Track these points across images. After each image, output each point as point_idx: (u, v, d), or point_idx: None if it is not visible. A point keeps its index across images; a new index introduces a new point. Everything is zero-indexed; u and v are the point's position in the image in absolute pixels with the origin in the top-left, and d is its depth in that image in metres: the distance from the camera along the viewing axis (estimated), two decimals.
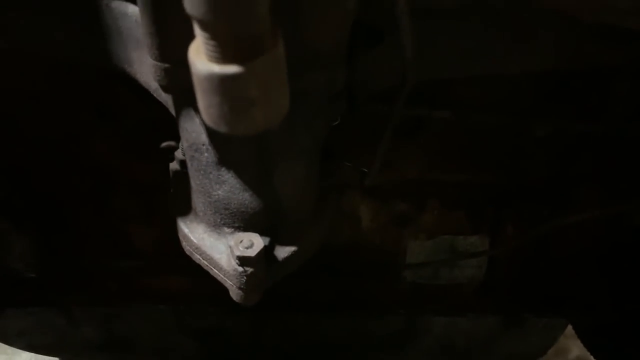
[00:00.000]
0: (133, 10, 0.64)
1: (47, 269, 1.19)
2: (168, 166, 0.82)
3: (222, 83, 0.37)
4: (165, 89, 0.62)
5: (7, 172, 1.09)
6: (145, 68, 0.69)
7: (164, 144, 0.92)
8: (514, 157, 1.12)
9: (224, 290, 0.75)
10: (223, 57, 0.37)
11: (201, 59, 0.38)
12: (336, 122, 0.75)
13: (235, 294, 0.73)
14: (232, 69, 0.37)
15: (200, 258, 0.75)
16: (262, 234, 0.71)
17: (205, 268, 0.76)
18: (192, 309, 1.22)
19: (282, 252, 0.74)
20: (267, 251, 0.71)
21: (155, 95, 0.72)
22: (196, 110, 0.62)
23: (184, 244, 0.77)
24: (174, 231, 0.78)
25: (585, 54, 0.77)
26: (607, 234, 1.17)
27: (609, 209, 1.06)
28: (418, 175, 1.16)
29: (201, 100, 0.40)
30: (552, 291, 1.25)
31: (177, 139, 0.77)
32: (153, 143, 0.90)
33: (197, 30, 0.37)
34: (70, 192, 1.13)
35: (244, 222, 0.71)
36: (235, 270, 0.70)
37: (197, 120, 0.66)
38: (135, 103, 0.98)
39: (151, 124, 0.95)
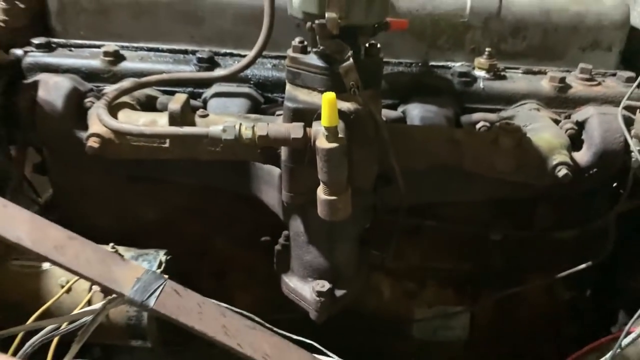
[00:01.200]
0: (267, 167, 1.36)
1: None
2: (264, 251, 1.48)
3: (329, 202, 1.07)
4: (287, 205, 1.31)
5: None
6: (269, 195, 1.39)
7: (262, 239, 1.63)
8: (480, 252, 1.75)
9: None
10: (329, 194, 1.07)
11: (321, 194, 1.07)
12: (367, 225, 1.43)
13: (313, 315, 1.37)
14: (333, 198, 1.06)
15: (294, 295, 1.40)
16: (328, 282, 1.35)
17: (295, 301, 1.40)
18: None
19: (338, 292, 1.38)
20: (331, 291, 1.35)
21: (271, 209, 1.41)
22: (300, 215, 1.31)
23: (284, 288, 1.42)
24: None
25: (505, 191, 1.44)
26: (548, 305, 1.77)
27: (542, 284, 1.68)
28: (420, 263, 1.80)
29: (319, 206, 1.08)
30: (516, 347, 1.83)
31: (272, 235, 1.46)
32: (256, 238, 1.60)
33: (322, 185, 1.07)
34: (198, 274, 1.78)
35: (319, 274, 1.36)
36: (314, 300, 1.34)
37: (299, 220, 1.34)
38: (250, 214, 1.66)
39: (256, 227, 1.62)
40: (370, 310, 1.84)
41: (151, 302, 0.95)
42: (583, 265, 1.56)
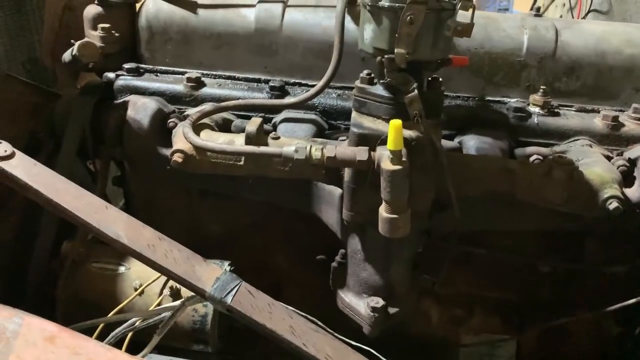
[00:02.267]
0: (329, 186, 1.46)
1: None
2: (318, 269, 1.58)
3: (390, 220, 1.16)
4: (347, 223, 1.41)
5: None
6: (329, 214, 1.49)
7: (318, 257, 1.72)
8: (528, 284, 1.79)
9: None
10: (391, 212, 1.16)
11: (383, 212, 1.17)
12: (420, 249, 1.51)
13: (367, 330, 1.44)
14: (394, 216, 1.16)
15: (349, 310, 1.48)
16: (382, 299, 1.43)
17: (350, 315, 1.48)
18: None
19: (391, 310, 1.45)
20: (385, 307, 1.43)
21: (330, 228, 1.51)
22: (358, 234, 1.40)
23: (339, 303, 1.51)
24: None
25: (556, 222, 1.50)
26: (595, 340, 1.79)
27: (590, 318, 1.70)
28: (469, 291, 1.85)
29: (380, 224, 1.18)
30: None
31: (327, 254, 1.55)
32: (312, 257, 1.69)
33: (384, 204, 1.16)
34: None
35: (374, 291, 1.45)
36: (369, 315, 1.42)
37: (357, 238, 1.43)
38: (306, 233, 1.76)
39: (310, 245, 1.72)
40: (418, 334, 1.90)
41: (228, 300, 1.06)
42: (632, 301, 1.59)
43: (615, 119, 1.56)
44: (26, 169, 1.11)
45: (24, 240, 1.69)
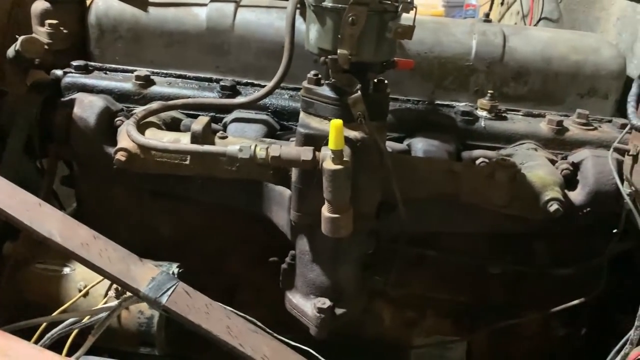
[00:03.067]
0: (279, 187, 1.46)
1: None
2: (271, 272, 1.56)
3: (332, 219, 1.16)
4: (295, 224, 1.40)
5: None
6: (279, 215, 1.49)
7: (270, 259, 1.71)
8: (479, 285, 1.81)
9: None
10: (333, 212, 1.16)
11: (325, 212, 1.17)
12: (370, 251, 1.51)
13: (313, 331, 1.44)
14: (336, 216, 1.16)
15: (296, 311, 1.47)
16: (329, 300, 1.43)
17: (297, 316, 1.47)
18: None
19: (338, 310, 1.45)
20: (331, 308, 1.43)
21: (280, 229, 1.51)
22: (306, 234, 1.40)
23: (287, 304, 1.50)
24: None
25: (501, 224, 1.52)
26: (543, 341, 1.82)
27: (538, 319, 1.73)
28: (421, 293, 1.86)
29: (323, 223, 1.18)
30: None
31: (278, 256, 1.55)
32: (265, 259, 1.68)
33: (327, 204, 1.16)
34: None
35: (321, 292, 1.44)
36: (315, 316, 1.41)
37: (305, 239, 1.43)
38: (260, 235, 1.75)
39: (265, 248, 1.71)
40: (370, 336, 1.90)
41: (163, 300, 1.04)
42: (576, 301, 1.62)
43: (559, 123, 1.60)
44: None
45: None
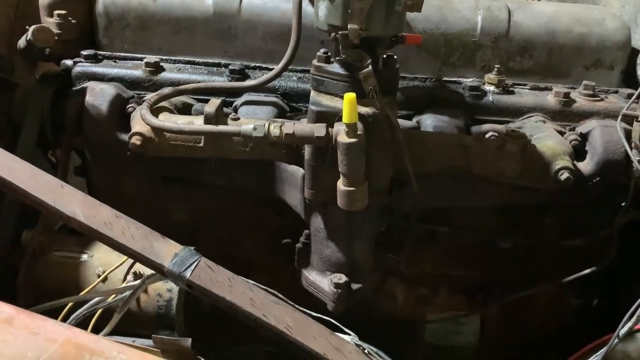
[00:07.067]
0: (291, 168, 1.48)
1: None
2: (285, 254, 1.58)
3: (347, 192, 1.18)
4: (309, 202, 1.42)
5: None
6: (292, 195, 1.50)
7: (284, 241, 1.73)
8: (490, 260, 1.83)
9: None
10: (348, 185, 1.18)
11: (341, 185, 1.19)
12: (383, 228, 1.53)
13: (330, 306, 1.46)
14: (352, 189, 1.18)
15: (313, 288, 1.49)
16: (345, 275, 1.45)
17: (314, 293, 1.49)
18: None
19: (354, 286, 1.47)
20: (347, 283, 1.45)
21: (294, 209, 1.52)
22: (321, 212, 1.42)
23: (303, 282, 1.52)
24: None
25: (513, 196, 1.54)
26: (555, 312, 1.84)
27: (550, 291, 1.75)
28: (433, 270, 1.88)
29: (339, 197, 1.20)
30: (524, 353, 1.89)
31: (293, 239, 1.56)
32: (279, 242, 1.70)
33: (342, 178, 1.18)
34: None
35: (337, 268, 1.46)
36: (332, 291, 1.43)
37: (320, 217, 1.45)
38: (273, 218, 1.77)
39: (277, 231, 1.73)
40: (384, 315, 1.92)
41: (187, 274, 1.06)
42: (586, 271, 1.64)
43: (566, 95, 1.61)
44: None
45: None
